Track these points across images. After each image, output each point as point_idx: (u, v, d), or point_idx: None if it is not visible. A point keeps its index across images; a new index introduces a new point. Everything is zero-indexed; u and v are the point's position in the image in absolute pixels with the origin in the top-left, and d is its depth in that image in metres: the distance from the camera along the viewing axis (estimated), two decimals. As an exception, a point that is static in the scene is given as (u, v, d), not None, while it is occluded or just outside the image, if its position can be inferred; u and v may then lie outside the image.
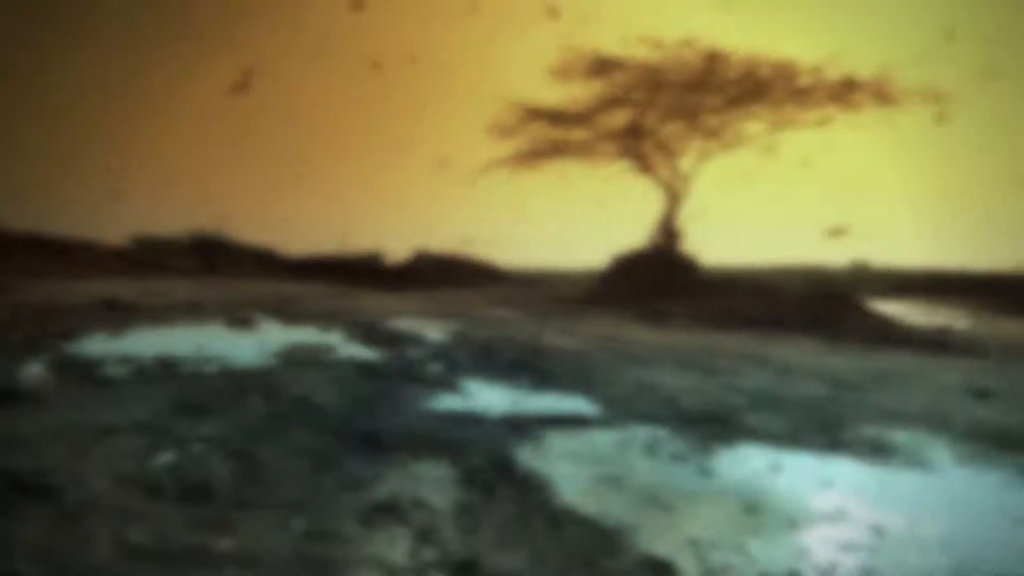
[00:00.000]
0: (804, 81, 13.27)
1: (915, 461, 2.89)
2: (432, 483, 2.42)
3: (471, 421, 3.29)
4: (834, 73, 12.91)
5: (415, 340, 6.28)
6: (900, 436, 3.29)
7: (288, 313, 8.96)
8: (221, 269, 20.74)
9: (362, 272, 29.07)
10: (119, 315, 7.72)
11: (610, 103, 16.17)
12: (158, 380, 3.26)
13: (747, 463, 2.76)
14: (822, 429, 3.29)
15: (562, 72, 15.43)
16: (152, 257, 23.11)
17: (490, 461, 2.64)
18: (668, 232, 17.61)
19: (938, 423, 3.54)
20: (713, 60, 13.53)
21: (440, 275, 27.12)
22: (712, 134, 16.15)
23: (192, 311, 8.65)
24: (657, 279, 16.18)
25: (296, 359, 4.68)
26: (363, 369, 4.43)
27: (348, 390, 3.77)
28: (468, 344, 5.87)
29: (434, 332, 7.24)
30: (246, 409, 2.85)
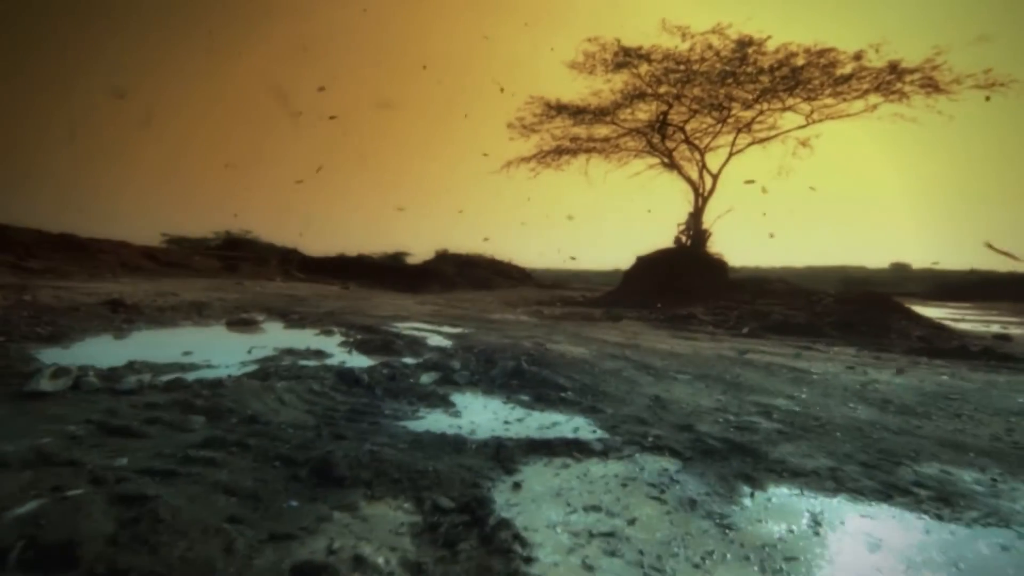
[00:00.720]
0: (844, 69, 12.32)
1: (993, 513, 2.30)
2: (384, 533, 1.97)
3: (452, 447, 2.83)
4: (878, 60, 11.95)
5: (415, 346, 5.88)
6: (971, 477, 2.68)
7: (294, 315, 8.69)
8: (244, 269, 20.89)
9: (384, 272, 29.13)
10: (121, 317, 7.56)
11: (635, 97, 15.51)
12: (97, 394, 2.90)
13: (779, 514, 2.22)
14: (871, 466, 2.71)
15: (584, 64, 14.86)
16: (178, 258, 23.50)
17: (460, 503, 2.18)
18: (695, 231, 16.82)
19: (1018, 459, 2.91)
20: (745, 48, 12.73)
21: (460, 275, 26.83)
22: (743, 128, 15.30)
23: (197, 312, 8.46)
24: (682, 281, 15.43)
25: (277, 368, 4.31)
26: (346, 379, 4.03)
27: (320, 406, 3.37)
28: (469, 351, 5.42)
29: (438, 337, 6.82)
30: (181, 433, 2.46)
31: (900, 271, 52.16)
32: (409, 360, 5.07)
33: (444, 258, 31.63)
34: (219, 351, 5.28)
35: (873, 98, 12.44)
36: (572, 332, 7.38)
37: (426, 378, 4.39)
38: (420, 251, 38.33)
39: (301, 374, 4.12)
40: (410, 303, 12.57)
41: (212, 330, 7.31)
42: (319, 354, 5.22)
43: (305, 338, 6.53)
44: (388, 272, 28.88)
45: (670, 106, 15.42)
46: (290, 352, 5.24)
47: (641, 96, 15.23)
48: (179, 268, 20.70)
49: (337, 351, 5.51)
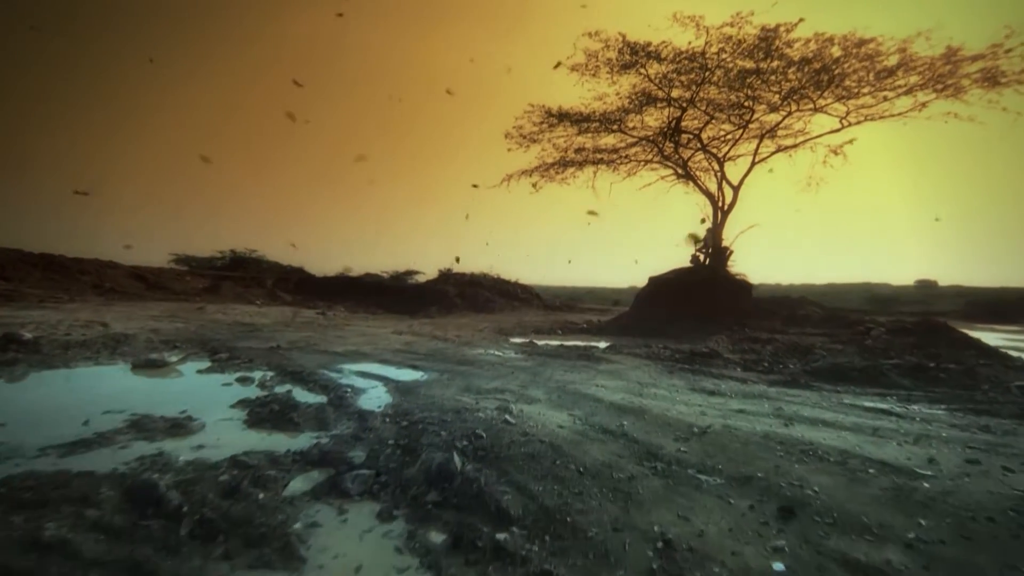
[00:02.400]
0: (889, 61, 10.54)
1: None
2: None
3: None
4: (929, 48, 10.16)
5: (334, 409, 4.25)
6: None
7: (224, 353, 7.16)
8: (228, 291, 19.64)
9: (383, 293, 27.77)
10: (6, 356, 6.14)
11: (644, 101, 13.95)
12: None
13: None
14: None
15: (586, 66, 13.36)
16: (168, 279, 22.40)
17: None
18: (714, 249, 15.04)
19: None
20: (769, 40, 11.10)
21: (462, 296, 25.27)
22: (767, 133, 13.62)
23: (111, 349, 6.99)
24: (702, 305, 13.63)
25: (64, 480, 2.72)
26: (140, 500, 2.42)
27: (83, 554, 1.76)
28: (397, 424, 3.79)
29: (380, 390, 5.20)
30: None
31: (926, 289, 49.67)
32: (301, 440, 3.45)
33: (447, 278, 30.21)
34: (46, 418, 3.76)
35: (923, 94, 10.70)
36: (559, 381, 5.69)
37: (298, 484, 2.77)
38: (425, 271, 37.06)
39: (85, 492, 2.52)
40: (386, 332, 11.00)
41: (107, 371, 5.83)
42: (176, 428, 3.63)
43: (200, 390, 4.97)
44: (388, 293, 27.53)
45: (683, 110, 13.81)
46: (140, 425, 3.66)
47: (651, 100, 13.66)
48: (162, 291, 19.54)
49: (213, 422, 3.90)
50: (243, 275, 26.88)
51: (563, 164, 18.02)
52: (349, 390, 4.98)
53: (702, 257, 15.14)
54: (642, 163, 16.64)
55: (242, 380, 5.61)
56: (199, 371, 6.13)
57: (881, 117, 11.41)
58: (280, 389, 5.16)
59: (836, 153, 14.30)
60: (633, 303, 15.56)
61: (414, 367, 6.66)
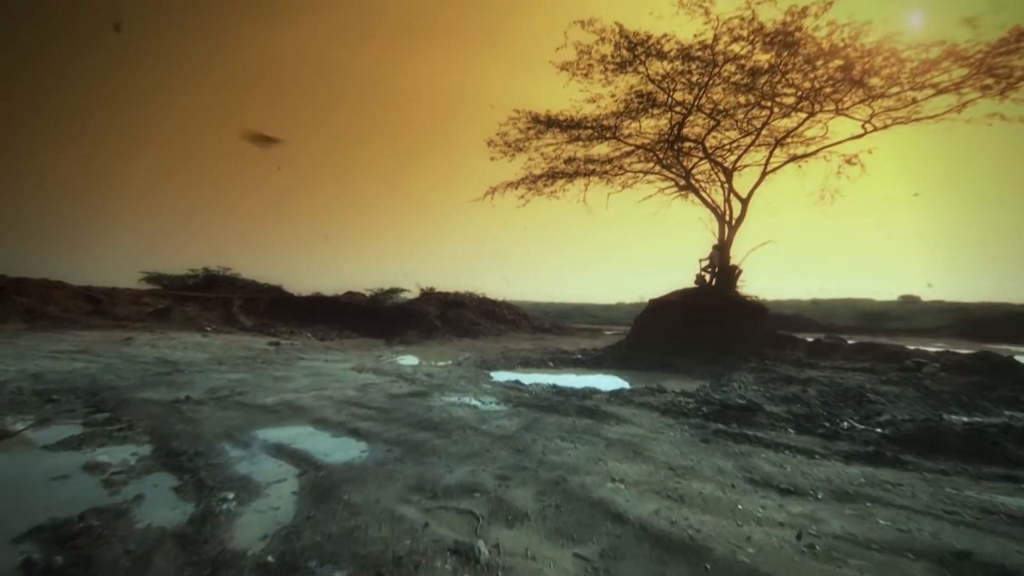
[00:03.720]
0: (928, 53, 9.14)
1: None
2: None
3: None
4: (975, 38, 8.78)
5: (182, 550, 2.50)
6: None
7: (113, 408, 5.36)
8: (177, 315, 17.62)
9: (360, 315, 25.87)
10: None
11: (643, 105, 12.54)
12: None
13: None
14: None
15: (577, 65, 11.91)
16: (123, 299, 20.31)
17: None
18: (721, 269, 13.54)
19: None
20: (784, 33, 9.75)
21: (443, 318, 23.45)
22: (782, 140, 12.25)
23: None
24: (711, 332, 12.04)
25: None
26: None
27: None
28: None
29: (282, 495, 3.43)
30: None
31: (910, 304, 49.18)
32: None
33: (428, 298, 28.39)
34: None
35: (970, 91, 9.32)
36: (555, 467, 3.97)
37: None
38: (408, 290, 35.29)
39: None
40: (345, 369, 9.19)
41: None
42: None
43: (17, 486, 3.17)
44: (364, 315, 25.62)
45: (687, 114, 12.40)
46: None
47: (651, 104, 12.24)
48: (103, 316, 17.45)
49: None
50: (208, 295, 24.86)
51: (551, 176, 16.55)
52: (230, 497, 3.21)
53: (708, 277, 13.62)
54: (639, 174, 15.22)
55: (91, 468, 3.81)
56: (46, 446, 4.31)
57: (914, 120, 10.08)
58: (133, 489, 3.38)
59: (851, 163, 12.99)
60: (632, 328, 13.93)
61: (356, 433, 4.89)
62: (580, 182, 16.74)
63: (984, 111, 9.41)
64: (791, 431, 5.19)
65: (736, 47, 9.98)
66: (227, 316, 18.87)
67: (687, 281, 14.34)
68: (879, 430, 5.07)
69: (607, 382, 9.45)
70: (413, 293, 36.29)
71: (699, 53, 10.34)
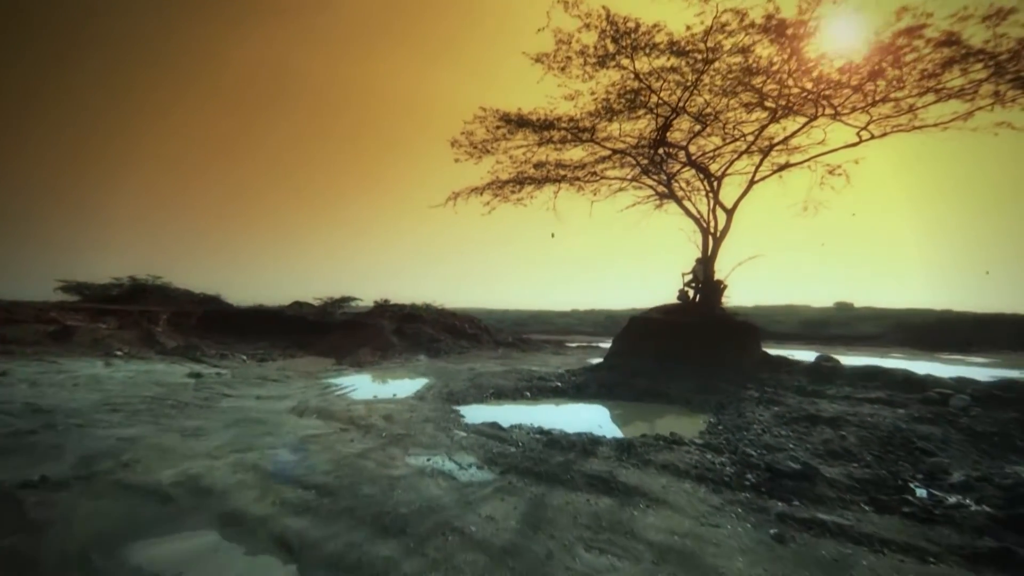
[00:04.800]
0: (941, 54, 8.43)
1: None
2: None
3: None
4: (995, 39, 8.05)
5: None
6: None
7: None
8: (84, 334, 14.99)
9: (309, 329, 23.64)
10: None
11: (622, 105, 11.48)
12: None
13: None
14: None
15: (554, 56, 10.69)
16: (26, 315, 17.32)
17: None
18: (705, 283, 12.63)
19: None
20: (781, 27, 8.84)
21: (400, 333, 21.62)
22: (775, 146, 11.48)
23: None
24: (700, 353, 11.03)
25: None
26: None
27: None
28: None
29: None
30: None
31: (846, 311, 51.31)
32: None
33: (383, 310, 26.35)
34: None
35: (984, 95, 8.67)
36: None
37: None
38: (360, 300, 33.08)
39: None
40: (280, 410, 7.44)
41: None
42: None
43: None
44: (312, 330, 23.33)
45: (673, 115, 11.41)
46: None
47: (635, 104, 11.17)
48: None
49: None
50: (130, 309, 21.92)
51: (519, 181, 15.27)
52: None
53: (691, 293, 12.68)
54: (618, 181, 14.18)
55: None
56: None
57: (918, 128, 9.45)
58: None
59: (834, 173, 12.42)
60: (611, 348, 12.76)
61: (283, 545, 3.32)
62: (549, 189, 15.57)
63: (992, 119, 8.92)
64: (868, 509, 4.04)
65: (732, 40, 9.01)
66: (147, 335, 16.34)
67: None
68: (972, 505, 3.99)
69: (600, 419, 8.17)
70: (366, 302, 34.05)
71: (690, 47, 9.33)
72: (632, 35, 9.36)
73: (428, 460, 5.25)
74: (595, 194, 15.79)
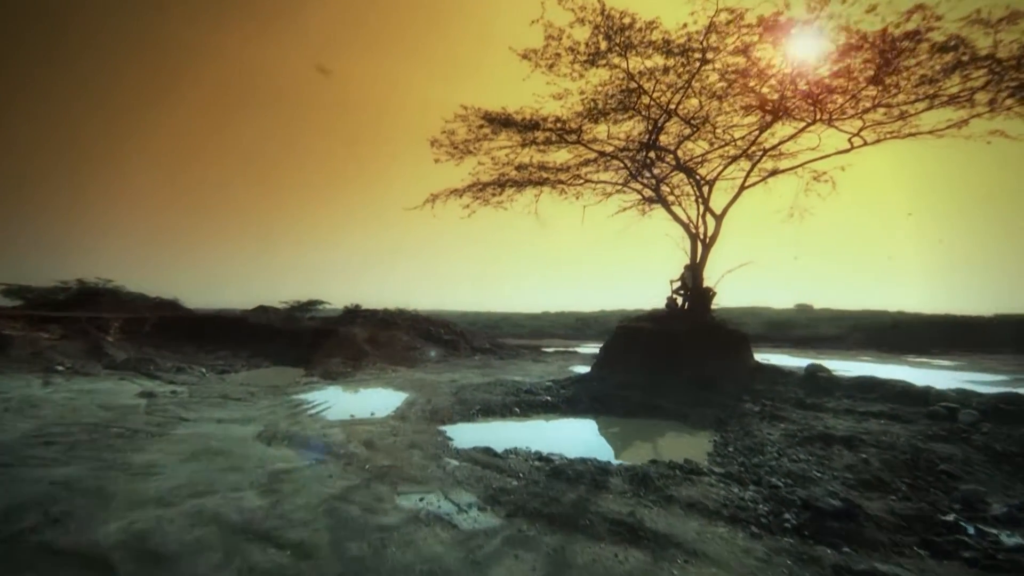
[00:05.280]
0: (940, 61, 8.19)
1: None
2: None
3: None
4: (1001, 44, 7.81)
5: None
6: None
7: None
8: (21, 347, 13.58)
9: (275, 337, 22.46)
10: None
11: (611, 105, 11.06)
12: None
13: None
14: None
15: (543, 52, 10.17)
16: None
17: None
18: (694, 291, 12.33)
19: None
20: (783, 28, 8.57)
21: (373, 341, 20.65)
22: (769, 152, 11.23)
23: None
24: (691, 363, 10.69)
25: None
26: None
27: None
28: None
29: None
30: None
31: (805, 312, 52.52)
32: None
33: (353, 316, 25.20)
34: None
35: (980, 102, 8.59)
36: None
37: None
38: (333, 304, 31.84)
39: None
40: (243, 440, 6.62)
41: None
42: None
43: None
44: (279, 337, 22.07)
45: (660, 120, 11.06)
46: None
47: (625, 105, 10.74)
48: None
49: None
50: (77, 315, 20.25)
51: (500, 184, 14.70)
52: None
53: (680, 301, 12.36)
54: (603, 185, 13.77)
55: None
56: None
57: (914, 135, 9.31)
58: None
59: (818, 179, 12.35)
60: (599, 356, 12.31)
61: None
62: (530, 192, 15.06)
63: (986, 127, 8.86)
64: (923, 554, 3.63)
65: (729, 40, 8.67)
66: (94, 347, 14.98)
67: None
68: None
69: (598, 439, 7.65)
70: (334, 306, 32.76)
71: (686, 46, 8.94)
72: (626, 32, 8.92)
73: (421, 500, 4.61)
74: (577, 198, 15.40)
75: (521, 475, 5.34)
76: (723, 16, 8.88)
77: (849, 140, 10.05)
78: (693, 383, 10.17)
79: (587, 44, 9.43)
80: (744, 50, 8.65)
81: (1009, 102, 8.12)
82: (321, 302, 45.75)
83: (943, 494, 4.76)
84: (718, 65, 9.19)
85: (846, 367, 17.19)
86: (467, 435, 7.50)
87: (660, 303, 12.95)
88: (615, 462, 5.89)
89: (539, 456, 6.13)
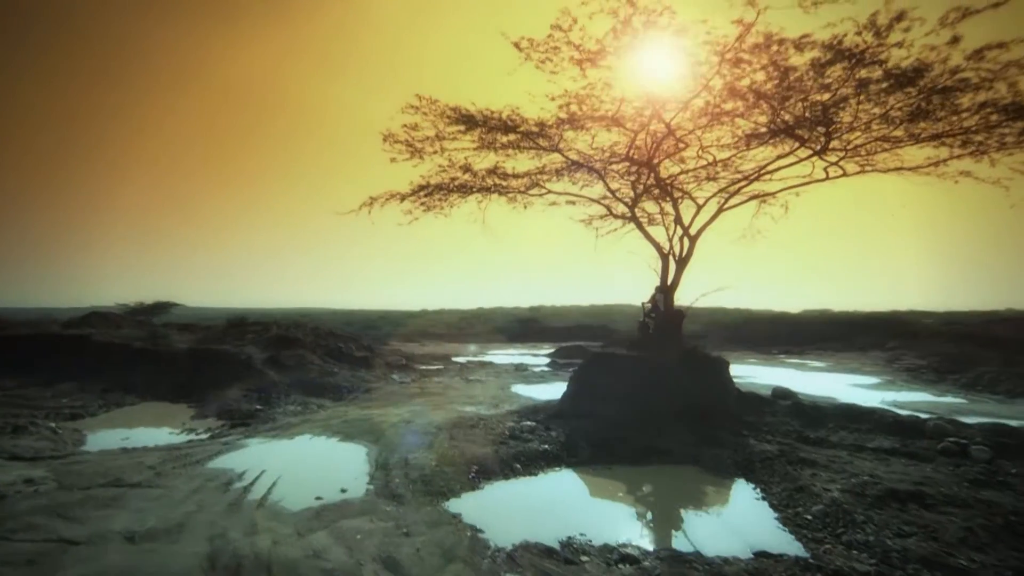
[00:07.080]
0: (944, 79, 8.16)
1: None
2: None
3: None
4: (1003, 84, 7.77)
5: None
6: None
7: None
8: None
9: (140, 359, 18.05)
10: None
11: (595, 111, 10.09)
12: None
13: None
14: None
15: (544, 44, 8.84)
16: None
17: None
18: (666, 314, 11.88)
19: None
20: (770, 44, 8.22)
21: (276, 363, 17.33)
22: (759, 172, 11.04)
23: None
24: (672, 396, 10.13)
25: None
26: None
27: None
28: None
29: None
30: None
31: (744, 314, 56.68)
32: None
33: (241, 331, 21.00)
34: None
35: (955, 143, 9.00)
36: None
37: None
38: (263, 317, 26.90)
39: None
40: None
41: None
42: None
43: None
44: (144, 359, 17.40)
45: (638, 131, 10.38)
46: None
47: (600, 110, 9.81)
48: None
49: None
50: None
51: (448, 189, 13.04)
52: None
53: (651, 325, 11.83)
54: (569, 198, 12.78)
55: None
56: None
57: (897, 169, 9.62)
58: None
59: (765, 201, 12.66)
60: (570, 389, 11.27)
61: None
62: (474, 199, 13.62)
63: (957, 168, 9.47)
64: None
65: (764, 57, 8.12)
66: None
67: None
68: None
69: (638, 511, 6.49)
70: (192, 306, 27.66)
71: (719, 55, 8.22)
72: (655, 27, 7.88)
73: None
74: (525, 207, 14.32)
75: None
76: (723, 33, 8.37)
77: (825, 169, 10.27)
78: (684, 418, 9.60)
79: (598, 41, 8.32)
80: (782, 69, 8.20)
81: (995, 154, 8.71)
82: (172, 304, 38.16)
83: (971, 552, 4.46)
84: (750, 80, 8.60)
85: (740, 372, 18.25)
86: (490, 517, 5.90)
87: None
88: (693, 549, 4.83)
89: (616, 553, 4.84)
